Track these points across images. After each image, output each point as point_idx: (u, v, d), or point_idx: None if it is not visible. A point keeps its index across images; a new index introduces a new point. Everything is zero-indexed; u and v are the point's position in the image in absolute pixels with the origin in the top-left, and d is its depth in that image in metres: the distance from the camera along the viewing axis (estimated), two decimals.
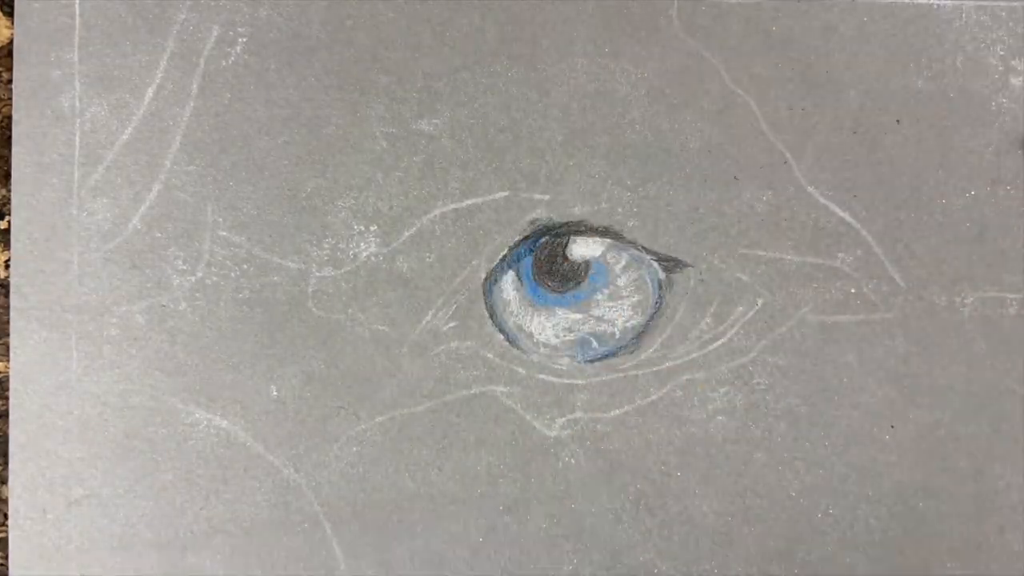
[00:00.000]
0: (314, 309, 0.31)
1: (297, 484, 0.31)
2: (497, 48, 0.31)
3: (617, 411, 0.32)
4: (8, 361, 0.32)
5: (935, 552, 0.32)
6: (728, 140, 0.31)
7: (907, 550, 0.32)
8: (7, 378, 0.32)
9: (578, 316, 0.32)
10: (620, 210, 0.31)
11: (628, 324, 0.32)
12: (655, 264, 0.32)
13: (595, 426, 0.32)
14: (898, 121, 0.31)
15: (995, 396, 0.32)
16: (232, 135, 0.31)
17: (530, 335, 0.32)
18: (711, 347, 0.32)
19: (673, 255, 0.31)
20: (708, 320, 0.32)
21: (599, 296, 0.32)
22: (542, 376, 0.32)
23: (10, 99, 0.32)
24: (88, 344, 0.31)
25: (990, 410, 0.32)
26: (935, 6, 0.31)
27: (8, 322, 0.32)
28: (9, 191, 0.32)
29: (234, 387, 0.31)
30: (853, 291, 0.31)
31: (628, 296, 0.32)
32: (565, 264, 0.32)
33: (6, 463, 0.32)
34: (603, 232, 0.32)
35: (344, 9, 0.31)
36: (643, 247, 0.31)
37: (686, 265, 0.31)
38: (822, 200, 0.31)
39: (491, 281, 0.32)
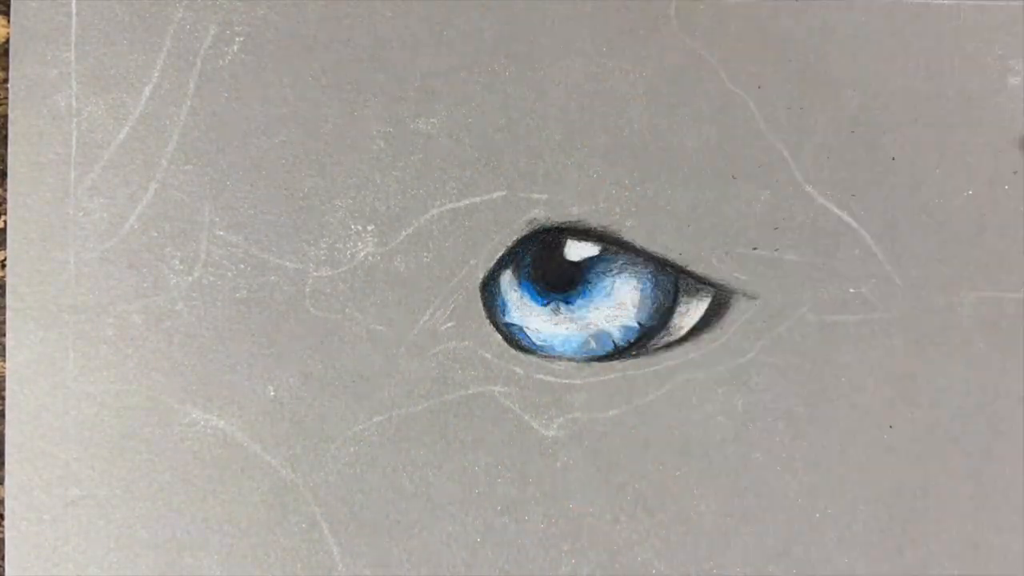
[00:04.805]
0: (311, 309, 0.31)
1: (294, 484, 0.31)
2: (495, 47, 0.31)
3: (615, 411, 0.32)
4: (4, 361, 0.32)
5: (934, 552, 0.32)
6: (726, 139, 0.31)
7: (906, 550, 0.32)
8: (3, 379, 0.32)
9: (576, 316, 0.32)
10: (618, 209, 0.31)
11: (626, 324, 0.32)
12: (652, 264, 0.32)
13: (593, 426, 0.32)
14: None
15: (994, 396, 0.32)
16: (229, 135, 0.31)
17: (528, 335, 0.32)
18: (709, 347, 0.32)
19: (671, 255, 0.31)
20: (706, 320, 0.32)
21: (597, 296, 0.32)
22: (540, 376, 0.32)
23: (6, 98, 0.32)
24: (85, 344, 0.31)
25: (989, 410, 0.32)
26: (933, 6, 0.31)
27: (4, 322, 0.32)
28: (5, 191, 0.32)
29: (231, 387, 0.31)
30: (852, 291, 0.31)
31: (626, 296, 0.32)
32: (563, 264, 0.32)
33: (2, 464, 0.32)
34: (601, 232, 0.32)
35: (342, 8, 0.31)
36: (641, 247, 0.31)
37: (685, 268, 0.31)
38: (820, 199, 0.31)
39: (489, 281, 0.32)
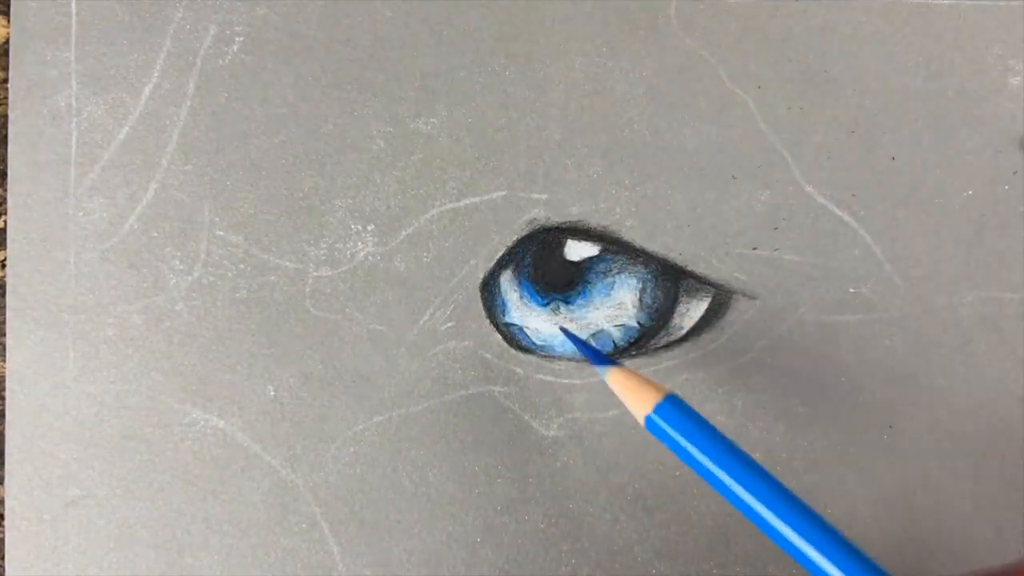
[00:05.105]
0: (311, 309, 0.31)
1: (294, 484, 0.31)
2: (495, 47, 0.31)
3: (615, 411, 0.32)
4: (4, 361, 0.32)
5: (934, 552, 0.32)
6: (726, 139, 0.31)
7: (906, 550, 0.32)
8: (3, 379, 0.32)
9: (576, 316, 0.32)
10: (618, 209, 0.31)
11: (626, 324, 0.32)
12: (653, 264, 0.32)
13: (593, 426, 0.32)
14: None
15: (994, 396, 0.32)
16: (229, 134, 0.31)
17: (528, 335, 0.32)
18: (709, 347, 0.32)
19: (671, 255, 0.31)
20: (706, 320, 0.32)
21: (597, 296, 0.32)
22: (540, 376, 0.32)
23: (6, 98, 0.32)
24: (85, 344, 0.31)
25: (989, 410, 0.32)
26: (933, 6, 0.31)
27: (4, 322, 0.32)
28: (5, 191, 0.32)
29: (231, 387, 0.31)
30: (851, 291, 0.31)
31: (626, 296, 0.32)
32: (563, 264, 0.32)
33: (2, 464, 0.32)
34: (601, 232, 0.32)
35: (342, 8, 0.31)
36: (641, 247, 0.31)
37: (685, 268, 0.31)
38: (820, 199, 0.31)
39: (489, 281, 0.32)
